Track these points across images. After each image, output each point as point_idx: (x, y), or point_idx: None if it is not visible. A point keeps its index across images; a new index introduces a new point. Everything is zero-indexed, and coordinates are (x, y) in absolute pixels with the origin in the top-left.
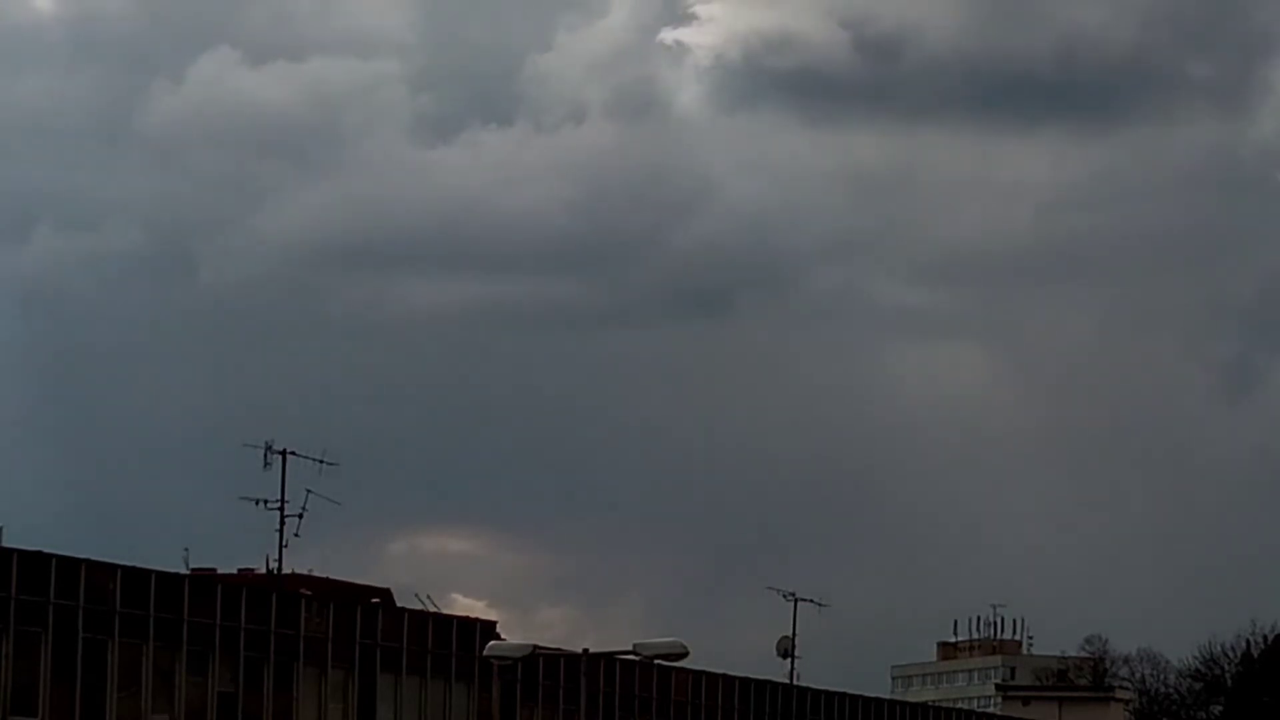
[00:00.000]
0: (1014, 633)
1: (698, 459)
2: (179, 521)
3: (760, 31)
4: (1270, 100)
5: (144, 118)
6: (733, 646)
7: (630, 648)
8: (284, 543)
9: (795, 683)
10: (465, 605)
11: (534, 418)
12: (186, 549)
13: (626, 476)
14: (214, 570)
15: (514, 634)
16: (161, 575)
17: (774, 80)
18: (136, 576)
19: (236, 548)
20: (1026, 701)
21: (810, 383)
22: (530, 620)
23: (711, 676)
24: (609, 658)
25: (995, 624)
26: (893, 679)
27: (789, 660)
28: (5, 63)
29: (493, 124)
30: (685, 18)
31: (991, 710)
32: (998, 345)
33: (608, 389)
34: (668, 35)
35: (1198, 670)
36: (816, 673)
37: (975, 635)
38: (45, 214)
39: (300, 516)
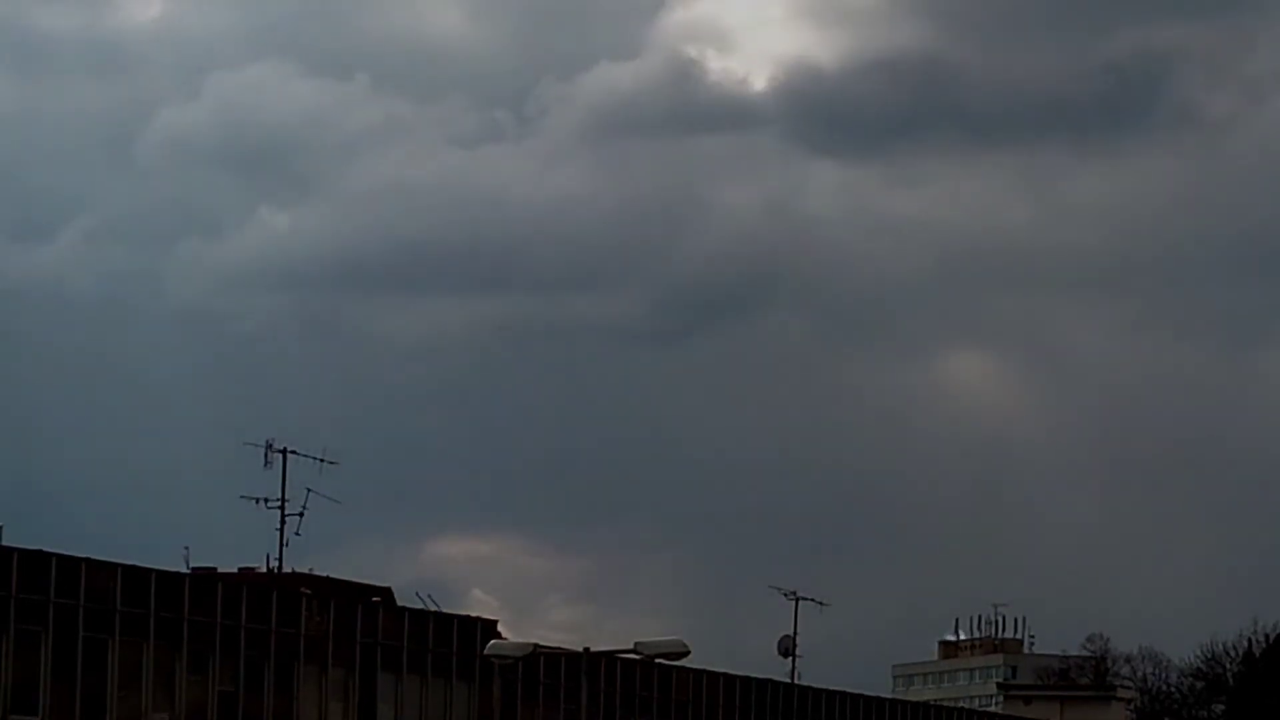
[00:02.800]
0: (1015, 631)
1: (703, 461)
2: (179, 521)
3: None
4: None
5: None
6: (734, 645)
7: (631, 646)
8: (284, 541)
9: (796, 682)
10: (490, 606)
11: (551, 428)
12: (187, 548)
13: (636, 481)
14: (214, 569)
15: (530, 634)
16: (162, 574)
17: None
18: (137, 575)
19: (237, 547)
20: (1028, 700)
21: (812, 388)
22: (550, 620)
23: (713, 675)
24: (610, 657)
25: (996, 623)
26: (894, 678)
27: (790, 659)
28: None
29: (513, 141)
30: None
31: (993, 709)
32: (1002, 351)
33: (617, 397)
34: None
35: (1199, 669)
36: (817, 672)
37: (976, 634)
38: (72, 218)
39: (301, 515)
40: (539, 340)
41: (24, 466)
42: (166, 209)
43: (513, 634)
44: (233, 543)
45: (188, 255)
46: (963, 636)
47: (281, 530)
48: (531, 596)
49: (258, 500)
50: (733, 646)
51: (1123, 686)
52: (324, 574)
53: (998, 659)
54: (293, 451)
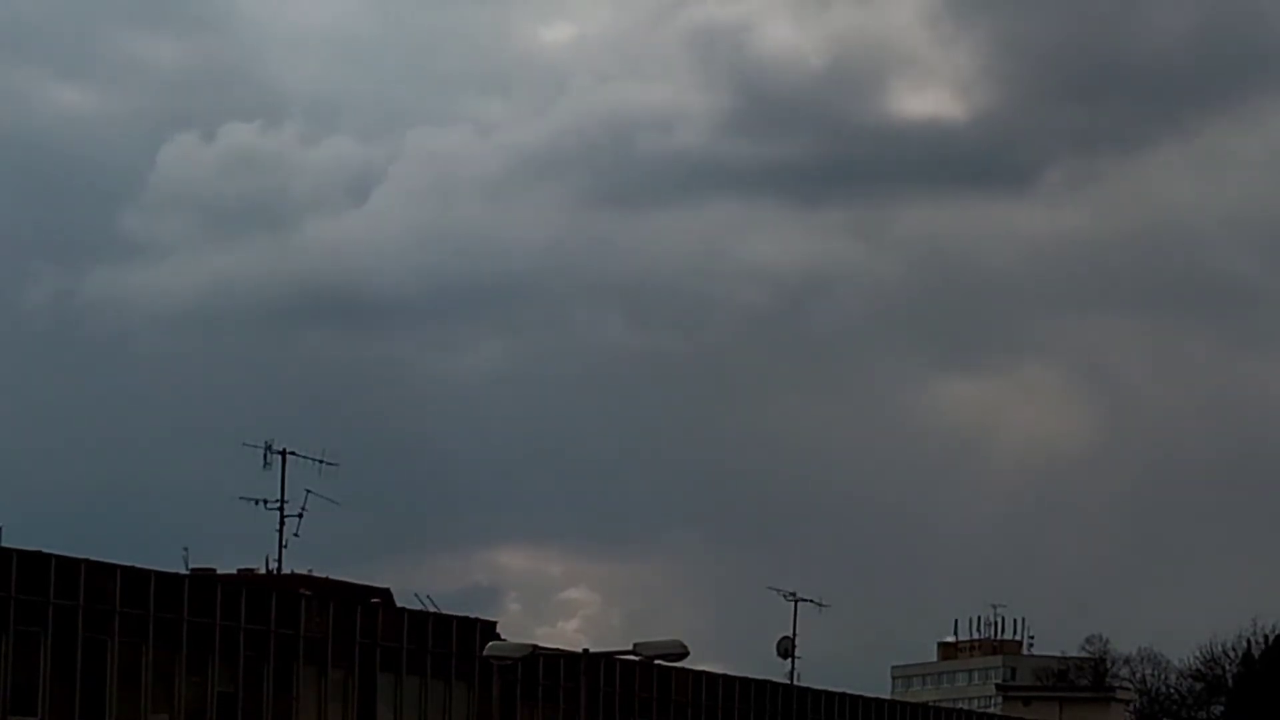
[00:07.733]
0: (1014, 633)
1: (704, 462)
2: (178, 521)
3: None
4: None
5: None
6: (734, 646)
7: (630, 647)
8: (283, 543)
9: (795, 683)
10: (514, 611)
11: (566, 442)
12: (186, 549)
13: (641, 484)
14: (214, 570)
15: (554, 639)
16: (161, 575)
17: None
18: (136, 576)
19: (236, 548)
20: (1027, 701)
21: (814, 393)
22: (570, 625)
23: (712, 676)
24: (609, 658)
25: (996, 624)
26: (893, 679)
27: (790, 660)
28: None
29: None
30: None
31: (992, 710)
32: (1008, 358)
33: (623, 402)
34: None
35: (1198, 670)
36: (817, 672)
37: (975, 635)
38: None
39: (300, 516)
40: (549, 358)
41: (24, 466)
42: (177, 223)
43: (539, 639)
44: (232, 544)
45: (197, 263)
46: (962, 637)
47: (281, 531)
48: (551, 600)
49: (257, 501)
50: (733, 647)
51: (1122, 688)
52: (323, 575)
53: (997, 660)
54: (292, 453)
